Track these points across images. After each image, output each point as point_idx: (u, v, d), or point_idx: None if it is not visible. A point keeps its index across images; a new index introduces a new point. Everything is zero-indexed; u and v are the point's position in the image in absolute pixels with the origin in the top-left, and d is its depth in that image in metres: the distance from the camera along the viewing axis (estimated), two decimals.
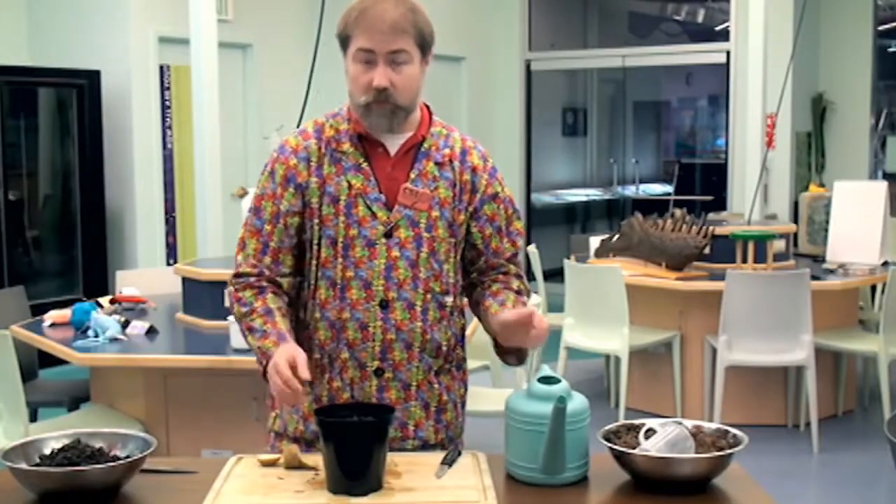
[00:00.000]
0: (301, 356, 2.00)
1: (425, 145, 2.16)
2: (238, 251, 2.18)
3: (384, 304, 2.10)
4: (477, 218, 2.18)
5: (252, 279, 2.14)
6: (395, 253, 2.10)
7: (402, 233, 2.11)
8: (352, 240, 2.10)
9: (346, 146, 2.14)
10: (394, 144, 2.14)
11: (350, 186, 2.11)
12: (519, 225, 2.26)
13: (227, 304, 2.22)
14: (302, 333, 2.15)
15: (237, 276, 2.17)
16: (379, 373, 2.11)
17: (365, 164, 2.12)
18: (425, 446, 2.16)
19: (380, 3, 2.05)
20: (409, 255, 2.11)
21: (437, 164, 2.15)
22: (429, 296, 2.12)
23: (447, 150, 2.17)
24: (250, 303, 2.12)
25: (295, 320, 2.16)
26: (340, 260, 2.10)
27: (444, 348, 2.17)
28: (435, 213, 2.13)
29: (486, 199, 2.19)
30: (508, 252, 2.23)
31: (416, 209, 2.11)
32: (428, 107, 2.22)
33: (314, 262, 2.13)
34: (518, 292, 2.21)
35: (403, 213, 2.11)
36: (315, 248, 2.13)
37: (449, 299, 2.16)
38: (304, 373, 1.98)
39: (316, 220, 2.12)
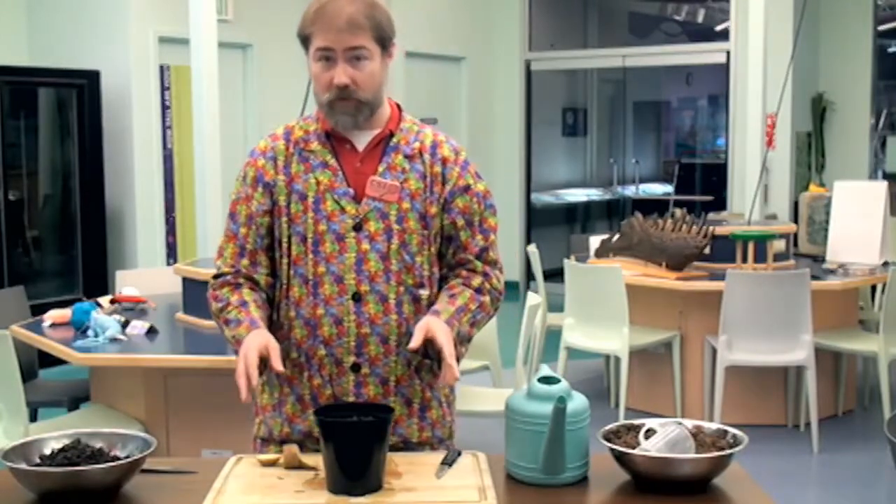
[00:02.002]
0: (274, 346, 1.99)
1: (394, 140, 2.15)
2: (217, 257, 2.21)
3: (357, 298, 2.09)
4: (448, 210, 2.16)
5: (229, 277, 2.16)
6: (366, 246, 2.09)
7: (372, 225, 2.10)
8: (321, 235, 2.10)
9: (314, 145, 2.14)
10: (361, 140, 2.14)
11: (318, 183, 2.11)
12: (493, 221, 2.21)
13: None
14: (277, 334, 2.12)
15: (215, 277, 2.19)
16: (356, 368, 2.10)
17: (332, 161, 2.12)
18: (407, 444, 2.14)
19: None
20: (380, 247, 2.10)
21: (406, 156, 2.14)
22: (402, 288, 2.11)
23: (417, 144, 2.16)
24: (226, 298, 2.13)
25: (269, 322, 2.14)
26: (311, 256, 2.10)
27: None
28: (405, 205, 2.11)
29: (458, 191, 2.16)
30: (477, 247, 2.18)
31: (385, 201, 2.10)
32: (398, 105, 2.21)
33: (285, 260, 2.13)
34: (478, 290, 2.16)
35: (372, 205, 2.10)
36: (286, 246, 2.13)
37: (424, 292, 2.14)
38: (278, 364, 1.97)
39: (284, 218, 2.12)
